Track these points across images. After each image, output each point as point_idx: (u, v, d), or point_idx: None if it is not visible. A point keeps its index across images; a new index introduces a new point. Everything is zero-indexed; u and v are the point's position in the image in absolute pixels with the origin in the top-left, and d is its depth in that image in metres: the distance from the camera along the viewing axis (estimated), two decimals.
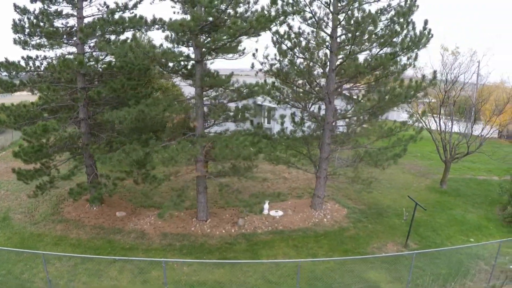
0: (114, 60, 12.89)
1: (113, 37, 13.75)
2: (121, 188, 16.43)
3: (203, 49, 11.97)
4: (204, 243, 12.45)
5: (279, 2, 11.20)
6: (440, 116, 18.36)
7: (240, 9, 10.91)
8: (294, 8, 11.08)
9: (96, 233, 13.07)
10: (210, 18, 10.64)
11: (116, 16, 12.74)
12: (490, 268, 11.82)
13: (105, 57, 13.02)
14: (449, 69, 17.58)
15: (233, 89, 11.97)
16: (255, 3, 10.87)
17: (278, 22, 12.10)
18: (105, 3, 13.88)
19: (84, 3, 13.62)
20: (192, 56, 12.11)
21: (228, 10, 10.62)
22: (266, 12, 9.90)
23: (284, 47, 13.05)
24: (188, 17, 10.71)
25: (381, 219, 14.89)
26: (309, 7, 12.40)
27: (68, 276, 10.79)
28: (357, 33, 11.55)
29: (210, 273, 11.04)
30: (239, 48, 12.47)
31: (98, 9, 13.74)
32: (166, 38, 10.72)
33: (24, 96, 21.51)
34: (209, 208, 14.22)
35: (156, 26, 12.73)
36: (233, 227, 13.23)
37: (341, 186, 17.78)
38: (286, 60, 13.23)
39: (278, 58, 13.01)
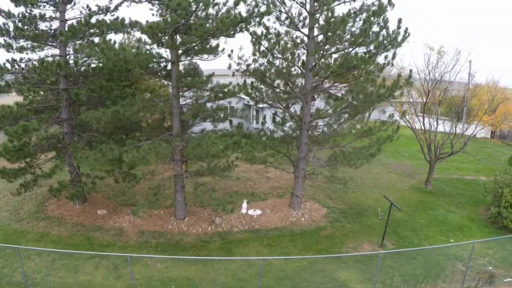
0: (94, 62, 13.20)
1: (97, 39, 14.13)
2: (105, 187, 16.81)
3: (179, 51, 12.25)
4: (179, 241, 12.70)
5: (251, 3, 11.38)
6: (424, 115, 18.36)
7: (211, 11, 11.11)
8: (266, 9, 11.23)
9: (76, 230, 13.40)
10: (182, 21, 10.88)
11: (98, 18, 13.06)
12: (468, 269, 11.90)
13: (88, 59, 13.32)
14: (432, 68, 17.57)
15: (207, 90, 12.18)
16: (225, 4, 11.07)
17: (255, 22, 12.37)
18: (87, 6, 14.25)
19: (68, 6, 14.00)
20: (170, 57, 12.40)
21: (198, 12, 10.84)
22: (232, 14, 10.06)
23: (261, 47, 13.24)
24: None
25: (360, 219, 14.99)
26: (283, 7, 12.56)
27: (46, 271, 11.10)
28: (329, 34, 11.69)
29: (182, 270, 11.26)
30: (218, 49, 12.77)
31: (81, 12, 14.12)
32: (139, 40, 10.97)
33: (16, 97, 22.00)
34: (189, 206, 14.47)
35: (135, 28, 13.00)
36: (210, 226, 13.45)
37: (323, 186, 17.91)
38: (264, 60, 13.43)
39: (254, 58, 13.19)
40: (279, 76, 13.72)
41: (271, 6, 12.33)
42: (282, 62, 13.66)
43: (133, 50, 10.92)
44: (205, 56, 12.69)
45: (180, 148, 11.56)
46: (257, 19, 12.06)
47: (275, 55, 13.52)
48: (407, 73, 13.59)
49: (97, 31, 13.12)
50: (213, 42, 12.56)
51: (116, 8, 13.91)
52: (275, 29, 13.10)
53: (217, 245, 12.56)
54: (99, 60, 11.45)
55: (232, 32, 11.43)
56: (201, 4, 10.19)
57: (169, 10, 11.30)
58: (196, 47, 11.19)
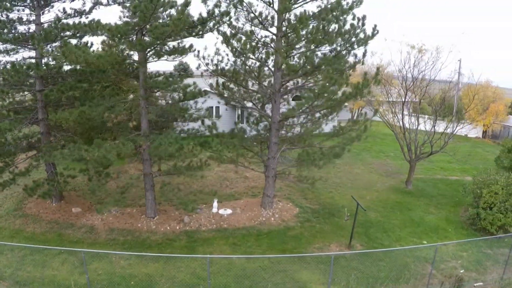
0: (65, 64, 13.54)
1: (75, 41, 14.51)
2: (85, 186, 17.18)
3: (146, 52, 12.53)
4: (146, 239, 12.96)
5: (211, 3, 11.56)
6: (404, 114, 18.22)
7: (174, 12, 11.30)
8: (226, 9, 11.40)
9: (50, 228, 13.78)
10: (143, 23, 11.13)
11: (69, 22, 13.40)
12: (438, 272, 11.78)
13: (57, 62, 13.66)
14: (408, 66, 17.42)
15: (171, 90, 12.40)
16: (186, 5, 11.25)
17: (224, 22, 12.58)
18: (64, 9, 14.63)
19: (45, 9, 14.41)
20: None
21: (160, 15, 11.07)
22: (184, 15, 10.22)
23: (230, 47, 13.39)
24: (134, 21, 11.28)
25: (332, 219, 15.03)
26: (249, 7, 12.66)
27: (16, 266, 11.46)
28: (290, 34, 11.80)
29: (144, 266, 11.51)
30: (186, 49, 13.03)
31: (57, 15, 14.51)
32: (103, 42, 11.26)
33: None
34: (162, 205, 14.73)
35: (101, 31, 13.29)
36: (179, 225, 13.67)
37: (301, 186, 17.98)
38: (234, 60, 13.60)
39: (219, 58, 13.37)
40: (250, 76, 13.87)
41: (237, 5, 12.45)
42: (252, 62, 13.81)
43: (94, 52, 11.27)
44: (176, 56, 12.97)
45: (144, 148, 11.81)
46: (226, 19, 12.31)
47: (246, 55, 13.64)
48: (365, 71, 13.58)
49: (70, 33, 13.48)
50: (185, 43, 12.91)
51: (90, 11, 14.26)
52: (242, 29, 13.21)
53: (183, 243, 12.77)
54: (63, 62, 11.77)
55: (192, 33, 11.69)
56: (157, 6, 10.39)
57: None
58: (157, 48, 11.41)
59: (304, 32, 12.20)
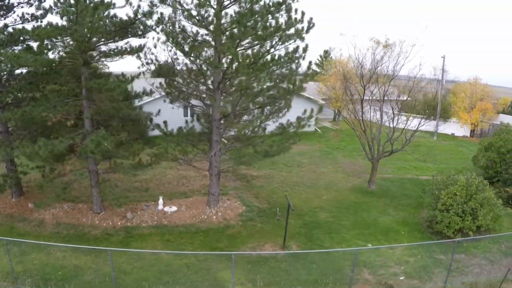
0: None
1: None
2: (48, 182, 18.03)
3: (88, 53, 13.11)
4: (87, 233, 13.55)
5: (137, 4, 11.93)
6: (363, 111, 17.94)
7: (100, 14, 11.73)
8: (148, 9, 11.78)
9: (4, 221, 14.59)
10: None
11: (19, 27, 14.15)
12: (374, 278, 11.53)
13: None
14: (363, 61, 17.13)
15: (112, 90, 12.88)
16: (122, 7, 11.69)
17: (165, 22, 12.95)
18: (23, 14, 15.42)
19: (8, 14, 15.27)
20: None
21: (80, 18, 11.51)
22: (97, 18, 10.62)
23: (170, 46, 13.72)
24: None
25: (278, 218, 15.12)
26: (186, 5, 12.90)
27: None
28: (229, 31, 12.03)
29: (76, 259, 12.05)
30: (127, 50, 13.53)
31: (15, 20, 15.33)
32: (39, 46, 11.88)
33: None
34: (111, 201, 15.31)
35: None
36: (121, 220, 14.21)
37: (257, 184, 18.19)
38: (174, 59, 13.94)
39: (160, 58, 13.75)
40: (190, 74, 14.17)
41: (175, 5, 12.70)
42: (193, 61, 14.04)
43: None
44: (114, 57, 13.50)
45: (77, 146, 12.39)
46: (165, 19, 12.71)
47: (187, 54, 13.87)
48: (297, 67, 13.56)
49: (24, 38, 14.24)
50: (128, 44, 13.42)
51: (43, 16, 14.96)
52: (182, 28, 13.43)
53: (119, 238, 13.28)
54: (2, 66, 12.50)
55: (127, 34, 12.17)
56: (84, 10, 10.86)
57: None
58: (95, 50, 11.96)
59: (240, 30, 12.31)
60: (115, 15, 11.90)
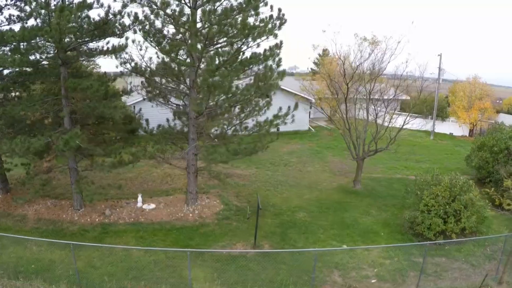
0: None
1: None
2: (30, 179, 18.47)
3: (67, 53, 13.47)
4: (64, 229, 13.91)
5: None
6: (347, 109, 17.77)
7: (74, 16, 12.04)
8: (121, 7, 12.02)
9: None
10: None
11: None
12: (343, 280, 11.36)
13: None
14: (347, 59, 16.93)
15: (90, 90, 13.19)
16: (89, 8, 11.94)
17: (143, 22, 13.19)
18: (9, 16, 15.92)
19: None
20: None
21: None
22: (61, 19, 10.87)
23: (146, 45, 13.95)
24: None
25: (253, 218, 15.14)
26: (154, 5, 13.06)
27: None
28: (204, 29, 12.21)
29: (51, 253, 12.37)
30: (104, 51, 13.85)
31: (1, 21, 15.85)
32: (25, 47, 12.31)
33: None
34: (85, 197, 15.67)
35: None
36: (99, 217, 14.54)
37: (240, 183, 18.29)
38: (150, 57, 14.20)
39: (136, 57, 14.01)
40: (167, 73, 14.36)
41: (150, 5, 12.89)
42: (172, 59, 14.21)
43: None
44: (90, 57, 13.83)
45: (53, 144, 12.74)
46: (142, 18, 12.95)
47: (163, 52, 14.01)
48: (270, 64, 13.54)
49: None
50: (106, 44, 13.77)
51: (28, 17, 15.40)
52: (155, 26, 13.61)
53: (95, 234, 13.59)
54: None
55: (104, 34, 12.49)
56: (56, 10, 11.16)
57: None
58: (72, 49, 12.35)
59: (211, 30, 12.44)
60: (87, 16, 12.14)
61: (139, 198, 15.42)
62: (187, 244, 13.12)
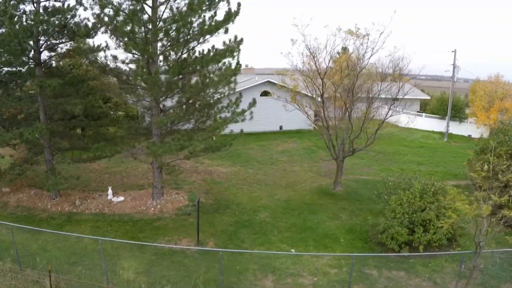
0: None
1: None
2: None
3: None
4: (35, 216, 14.96)
5: None
6: (324, 107, 16.89)
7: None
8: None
9: None
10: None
11: None
12: (275, 286, 10.80)
13: None
14: (319, 52, 16.06)
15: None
16: (47, 12, 12.82)
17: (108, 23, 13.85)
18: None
19: None
20: None
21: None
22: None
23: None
24: None
25: (212, 215, 15.09)
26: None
27: None
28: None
29: (15, 235, 13.27)
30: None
31: None
32: None
33: None
34: (71, 189, 16.75)
35: None
36: (69, 207, 15.46)
37: (217, 180, 18.31)
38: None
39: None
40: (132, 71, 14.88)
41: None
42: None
43: None
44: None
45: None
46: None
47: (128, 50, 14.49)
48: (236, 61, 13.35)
49: None
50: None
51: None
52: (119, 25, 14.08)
53: (59, 222, 14.42)
54: None
55: (60, 37, 13.30)
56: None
57: None
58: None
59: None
60: (46, 21, 13.02)
61: (109, 191, 16.13)
62: (135, 236, 13.43)
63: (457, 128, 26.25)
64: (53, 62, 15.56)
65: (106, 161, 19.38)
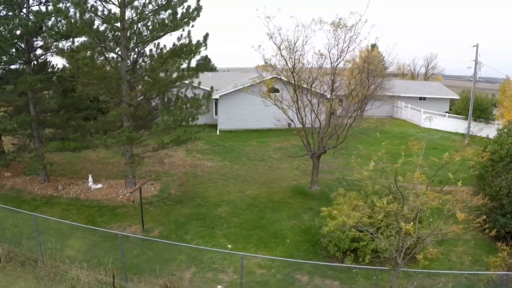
0: None
1: None
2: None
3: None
4: (21, 197, 16.34)
5: None
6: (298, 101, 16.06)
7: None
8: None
9: None
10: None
11: None
12: (192, 278, 10.67)
13: None
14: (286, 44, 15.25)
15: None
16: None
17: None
18: None
19: None
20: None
21: None
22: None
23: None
24: None
25: (173, 206, 15.20)
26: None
27: None
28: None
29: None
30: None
31: None
32: None
33: None
34: (62, 175, 18.12)
35: None
36: (52, 191, 16.69)
37: (198, 173, 18.46)
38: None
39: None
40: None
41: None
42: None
43: None
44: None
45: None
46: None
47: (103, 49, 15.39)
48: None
49: None
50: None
51: None
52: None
53: (37, 204, 15.65)
54: None
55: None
56: None
57: None
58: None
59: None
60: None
61: (90, 179, 17.14)
62: (94, 220, 14.11)
63: (483, 130, 22.96)
64: (40, 60, 17.01)
65: (104, 152, 20.75)
